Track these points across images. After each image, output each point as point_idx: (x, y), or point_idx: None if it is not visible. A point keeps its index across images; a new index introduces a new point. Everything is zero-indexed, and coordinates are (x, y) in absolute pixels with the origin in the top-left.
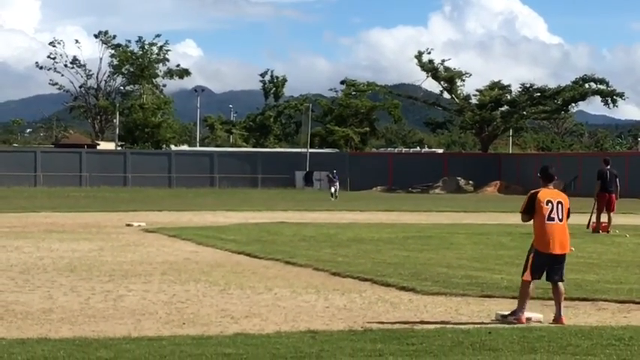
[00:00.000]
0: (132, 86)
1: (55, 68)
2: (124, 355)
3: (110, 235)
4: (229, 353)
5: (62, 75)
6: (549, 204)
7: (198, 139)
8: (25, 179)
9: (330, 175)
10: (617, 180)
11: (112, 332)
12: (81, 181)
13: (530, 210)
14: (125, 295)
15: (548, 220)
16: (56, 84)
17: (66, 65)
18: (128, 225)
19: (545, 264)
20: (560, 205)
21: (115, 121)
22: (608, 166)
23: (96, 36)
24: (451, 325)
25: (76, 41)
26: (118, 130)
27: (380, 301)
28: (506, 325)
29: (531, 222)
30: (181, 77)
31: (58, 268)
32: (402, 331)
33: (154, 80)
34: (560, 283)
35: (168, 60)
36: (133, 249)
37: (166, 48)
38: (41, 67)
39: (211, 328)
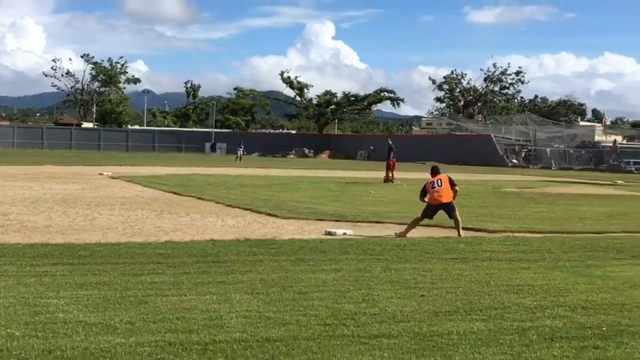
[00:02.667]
0: (104, 88)
1: (55, 76)
2: (96, 253)
3: (89, 180)
4: (162, 253)
5: (60, 80)
6: (432, 182)
7: (145, 122)
8: (35, 145)
9: (240, 144)
10: (393, 151)
11: (88, 240)
12: (71, 146)
13: (424, 193)
14: (97, 217)
15: (432, 188)
16: (56, 86)
17: (62, 74)
18: (100, 174)
19: (434, 210)
20: (439, 181)
21: (93, 109)
22: (390, 142)
23: (82, 56)
24: (298, 237)
25: (69, 59)
26: (95, 115)
27: (255, 222)
28: (331, 237)
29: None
30: (135, 83)
31: (55, 200)
32: (268, 241)
33: (117, 85)
34: (455, 216)
35: (127, 72)
36: (103, 189)
37: (126, 65)
38: (46, 75)
39: (150, 237)
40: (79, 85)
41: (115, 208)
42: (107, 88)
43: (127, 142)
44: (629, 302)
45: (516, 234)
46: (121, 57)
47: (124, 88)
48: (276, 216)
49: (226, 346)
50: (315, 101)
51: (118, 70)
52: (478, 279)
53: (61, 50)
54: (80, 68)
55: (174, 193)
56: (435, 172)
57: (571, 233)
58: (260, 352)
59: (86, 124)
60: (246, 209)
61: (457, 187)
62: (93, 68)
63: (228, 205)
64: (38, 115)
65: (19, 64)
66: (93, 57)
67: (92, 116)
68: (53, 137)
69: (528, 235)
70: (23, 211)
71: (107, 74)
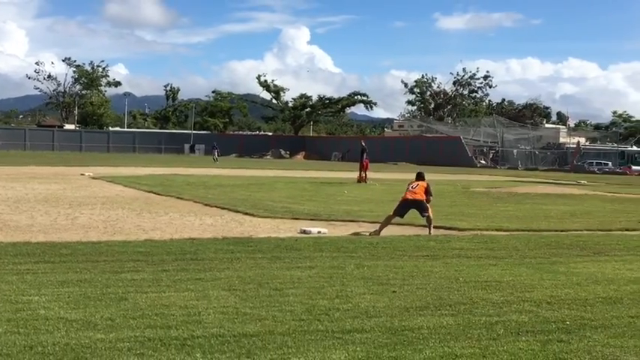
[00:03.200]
0: (85, 91)
1: (38, 79)
2: (77, 252)
3: (70, 180)
4: (142, 251)
5: (42, 83)
6: (411, 184)
7: (126, 124)
8: (18, 146)
9: (214, 146)
10: (366, 152)
11: (70, 238)
12: (53, 147)
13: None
14: (79, 216)
15: (407, 189)
16: (38, 89)
17: (45, 77)
18: (82, 174)
19: (405, 207)
20: (417, 184)
21: (75, 111)
22: (364, 144)
23: (63, 60)
24: (274, 235)
25: (52, 63)
26: (77, 117)
27: (232, 221)
28: (306, 236)
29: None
30: (116, 86)
31: (38, 200)
32: (245, 239)
33: (99, 87)
34: (426, 216)
35: (108, 75)
36: (84, 189)
37: (107, 68)
38: (29, 78)
39: (131, 236)
40: (61, 88)
41: (96, 208)
42: (89, 91)
43: (108, 144)
44: (591, 297)
45: (484, 232)
46: (102, 60)
47: (105, 90)
48: (252, 215)
49: (204, 342)
50: (290, 104)
51: (99, 73)
52: (448, 275)
53: (43, 54)
54: (62, 71)
55: (154, 193)
56: (417, 177)
57: (536, 231)
58: (237, 347)
59: (68, 126)
60: (223, 208)
61: (431, 198)
62: (75, 71)
63: (206, 205)
64: (21, 117)
65: (3, 68)
66: (75, 60)
67: (74, 118)
68: (36, 139)
69: (496, 233)
70: (6, 210)
71: (89, 77)
